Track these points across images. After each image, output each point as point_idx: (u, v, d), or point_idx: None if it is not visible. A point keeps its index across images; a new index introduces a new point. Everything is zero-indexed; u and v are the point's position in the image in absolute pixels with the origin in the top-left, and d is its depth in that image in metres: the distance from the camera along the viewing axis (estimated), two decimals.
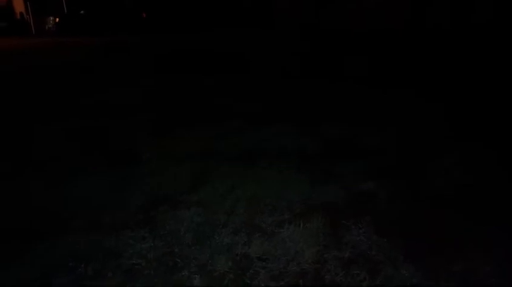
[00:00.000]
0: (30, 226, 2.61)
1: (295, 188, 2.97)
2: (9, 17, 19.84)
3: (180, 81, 6.80)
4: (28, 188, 3.18)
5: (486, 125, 4.21)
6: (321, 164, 3.36)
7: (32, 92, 6.93)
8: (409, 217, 2.59)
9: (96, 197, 2.96)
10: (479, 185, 2.97)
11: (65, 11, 19.62)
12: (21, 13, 20.42)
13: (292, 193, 2.89)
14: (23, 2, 20.27)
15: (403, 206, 2.71)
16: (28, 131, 4.59)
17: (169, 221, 2.59)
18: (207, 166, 3.37)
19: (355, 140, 3.89)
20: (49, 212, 2.79)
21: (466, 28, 8.68)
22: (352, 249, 2.27)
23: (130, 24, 16.44)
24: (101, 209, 2.78)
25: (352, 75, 6.49)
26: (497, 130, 4.05)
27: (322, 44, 9.85)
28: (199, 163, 3.44)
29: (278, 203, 2.75)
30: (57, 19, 19.20)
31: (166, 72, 7.70)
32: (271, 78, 6.78)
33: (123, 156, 3.72)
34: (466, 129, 4.09)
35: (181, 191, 2.97)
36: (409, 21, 9.97)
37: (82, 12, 18.18)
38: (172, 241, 2.40)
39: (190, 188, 3.01)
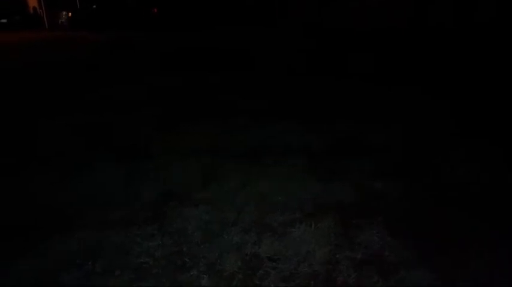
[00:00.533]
0: (36, 223, 2.49)
1: (303, 185, 2.83)
2: (22, 11, 19.62)
3: (186, 78, 6.54)
4: (33, 184, 3.04)
5: (492, 122, 4.04)
6: (327, 162, 3.21)
7: (40, 86, 6.77)
8: (417, 215, 2.45)
9: (102, 193, 2.82)
10: (485, 183, 2.82)
11: (78, 5, 19.40)
12: (34, 7, 20.21)
13: (301, 191, 2.75)
14: None
15: (411, 205, 2.57)
16: (33, 126, 4.43)
17: (178, 218, 2.45)
18: (213, 163, 3.23)
19: (360, 137, 3.73)
20: (54, 208, 2.65)
21: (469, 27, 8.42)
22: (364, 249, 2.12)
23: (141, 19, 16.20)
24: (106, 205, 2.65)
25: (357, 72, 6.28)
26: (503, 127, 3.89)
27: (326, 42, 9.62)
28: (205, 159, 3.29)
29: (287, 201, 2.61)
30: (70, 14, 18.98)
31: (171, 69, 7.45)
32: (276, 75, 6.57)
33: (128, 151, 3.57)
34: (471, 127, 3.93)
35: (188, 188, 2.83)
36: (411, 20, 9.72)
37: (94, 7, 17.96)
38: (180, 239, 2.26)
39: (197, 185, 2.87)
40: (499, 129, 3.85)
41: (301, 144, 3.58)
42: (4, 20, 18.43)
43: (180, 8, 15.70)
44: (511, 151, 3.35)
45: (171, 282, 1.98)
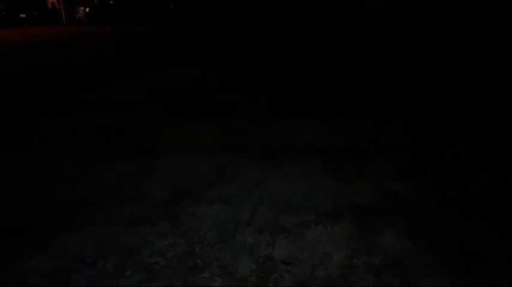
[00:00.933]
0: (45, 222, 2.29)
1: (314, 185, 2.61)
2: (41, 6, 19.32)
3: (186, 78, 6.19)
4: (33, 184, 2.80)
5: (492, 122, 3.80)
6: (332, 161, 2.96)
7: (58, 79, 6.53)
8: (433, 217, 2.24)
9: (110, 192, 2.61)
10: (486, 183, 2.61)
11: (95, 0, 19.06)
12: (52, 3, 19.89)
13: (313, 190, 2.53)
14: None
15: (424, 206, 2.36)
16: (33, 126, 4.09)
17: (190, 217, 2.25)
18: (222, 162, 2.99)
19: (360, 137, 3.46)
20: (62, 208, 2.44)
21: (469, 27, 8.05)
22: (383, 254, 1.91)
23: (156, 15, 15.89)
24: (117, 204, 2.45)
25: (357, 72, 5.99)
26: (503, 127, 3.64)
27: (325, 42, 9.27)
28: (214, 159, 3.06)
29: (301, 201, 2.40)
30: (87, 9, 18.65)
31: (172, 69, 6.92)
32: (276, 75, 6.21)
33: (133, 150, 3.31)
34: (471, 127, 3.68)
35: (200, 187, 2.61)
36: (411, 20, 9.34)
37: (111, 2, 17.62)
38: (193, 239, 2.06)
39: (209, 184, 2.65)
40: (499, 129, 3.61)
41: (305, 143, 3.34)
42: (23, 15, 18.20)
43: (186, 8, 15.45)
44: (511, 151, 3.14)
45: (183, 283, 1.79)
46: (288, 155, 3.10)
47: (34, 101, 5.12)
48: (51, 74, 6.99)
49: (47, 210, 2.41)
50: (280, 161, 2.99)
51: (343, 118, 3.97)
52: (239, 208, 2.33)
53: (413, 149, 3.22)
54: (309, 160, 3.00)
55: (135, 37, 11.75)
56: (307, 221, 2.16)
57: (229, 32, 12.04)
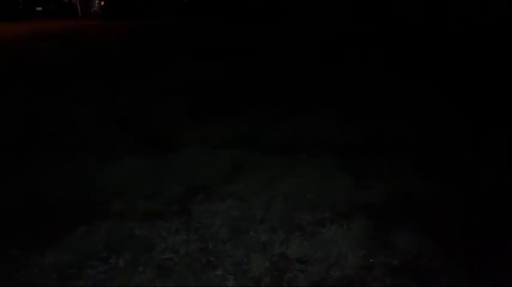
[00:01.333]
0: (58, 216, 2.23)
1: (329, 182, 2.51)
2: (57, 0, 19.33)
3: (193, 76, 5.86)
4: (42, 182, 2.68)
5: (495, 121, 3.62)
6: (337, 159, 2.84)
7: (66, 74, 6.47)
8: (450, 218, 2.13)
9: (124, 187, 2.52)
10: (490, 182, 2.49)
11: None
12: None
13: (328, 188, 2.43)
14: None
15: (442, 207, 2.24)
16: (39, 124, 3.94)
17: (204, 213, 2.17)
18: (235, 158, 2.89)
19: (365, 135, 3.31)
20: (75, 201, 2.37)
21: (471, 27, 7.71)
22: (401, 254, 1.81)
23: (170, 8, 15.87)
24: (130, 198, 2.37)
25: (361, 71, 5.79)
26: (506, 126, 3.47)
27: (329, 40, 8.98)
28: (226, 154, 2.96)
29: (317, 198, 2.30)
30: (102, 2, 18.57)
31: (180, 67, 6.64)
32: (281, 73, 5.97)
33: (138, 147, 3.20)
34: (475, 125, 3.50)
35: (212, 183, 2.51)
36: (415, 19, 9.03)
37: None
38: (206, 235, 1.99)
39: (219, 180, 2.55)
40: (502, 128, 3.44)
41: (313, 141, 3.19)
42: (40, 8, 18.25)
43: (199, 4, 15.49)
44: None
45: (196, 281, 1.72)
46: (297, 152, 2.98)
47: (43, 98, 4.94)
48: (59, 69, 6.90)
49: (57, 206, 2.33)
50: (291, 157, 2.89)
51: (347, 117, 3.78)
52: (252, 204, 2.24)
53: (416, 147, 3.09)
54: (318, 157, 2.88)
55: (146, 33, 11.66)
56: (322, 219, 2.07)
57: (235, 29, 11.75)
